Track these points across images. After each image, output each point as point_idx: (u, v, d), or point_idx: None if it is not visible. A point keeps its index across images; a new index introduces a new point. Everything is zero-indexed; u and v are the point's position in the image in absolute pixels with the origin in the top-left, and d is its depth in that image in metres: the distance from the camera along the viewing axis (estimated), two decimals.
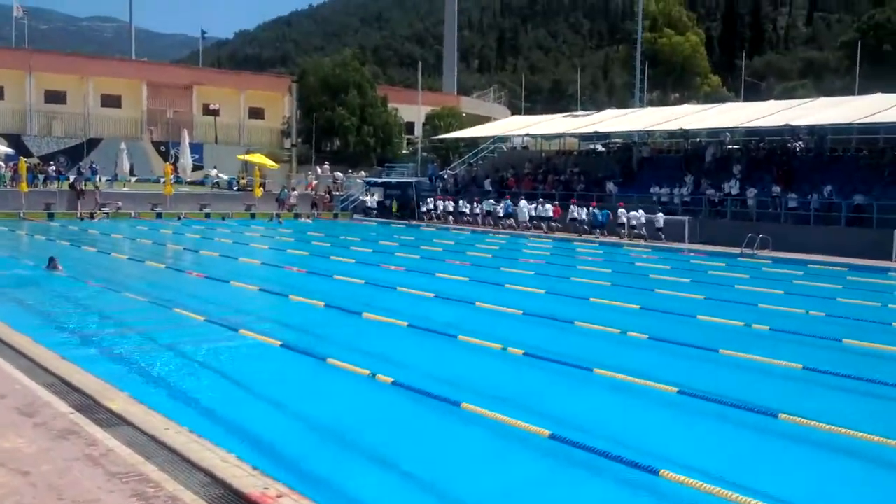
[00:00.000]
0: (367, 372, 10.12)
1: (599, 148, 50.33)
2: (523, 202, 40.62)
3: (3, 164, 44.96)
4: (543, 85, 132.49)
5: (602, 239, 35.49)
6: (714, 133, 42.86)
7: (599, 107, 64.51)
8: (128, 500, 6.01)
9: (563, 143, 52.50)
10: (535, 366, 11.50)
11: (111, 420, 8.00)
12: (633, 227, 35.45)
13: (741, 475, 7.40)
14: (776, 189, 34.32)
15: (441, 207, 44.92)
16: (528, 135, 49.86)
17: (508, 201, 41.56)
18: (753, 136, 42.41)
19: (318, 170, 56.20)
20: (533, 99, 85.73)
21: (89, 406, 8.42)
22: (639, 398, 10.05)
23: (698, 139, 45.01)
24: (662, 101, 67.89)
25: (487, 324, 14.93)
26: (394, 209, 48.22)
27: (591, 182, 42.06)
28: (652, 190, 38.09)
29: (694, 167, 39.69)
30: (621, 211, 36.11)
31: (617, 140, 50.01)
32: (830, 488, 7.65)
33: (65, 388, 9.02)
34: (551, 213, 39.21)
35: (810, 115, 36.01)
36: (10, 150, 48.02)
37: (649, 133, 46.29)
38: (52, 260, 19.66)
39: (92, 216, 39.75)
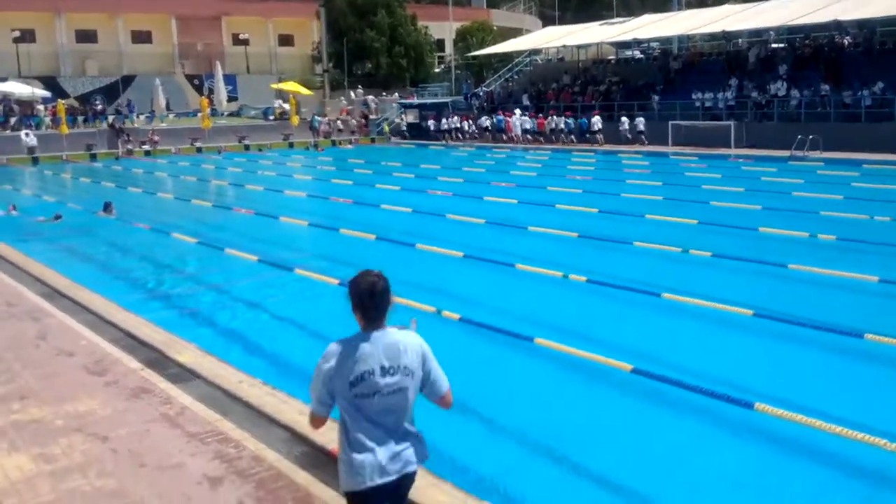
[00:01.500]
0: (433, 309, 9.91)
1: (638, 55, 48.88)
2: (515, 117, 42.00)
3: (42, 108, 44.90)
4: None
5: (641, 148, 34.99)
6: (756, 33, 41.27)
7: (632, 12, 62.34)
8: (210, 462, 5.92)
9: (600, 51, 51.10)
10: (600, 293, 11.22)
11: (182, 375, 7.93)
12: (595, 132, 37.97)
13: (835, 404, 7.12)
14: (825, 88, 33.08)
15: (446, 125, 45.19)
16: (563, 46, 48.48)
17: (500, 116, 42.91)
18: (798, 34, 40.74)
19: (352, 94, 55.50)
20: (564, 7, 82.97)
21: (158, 360, 8.36)
22: (714, 323, 9.75)
23: (740, 40, 43.41)
24: (701, 3, 65.16)
25: (543, 249, 14.65)
26: (385, 130, 48.82)
27: (631, 90, 40.94)
28: (694, 96, 36.94)
29: (737, 70, 38.38)
30: (595, 119, 38.21)
31: (655, 46, 48.53)
32: None
33: (132, 343, 8.97)
34: (529, 126, 41.23)
35: (858, 9, 34.28)
36: (46, 93, 47.94)
37: (689, 37, 44.81)
38: (107, 205, 19.64)
39: (130, 153, 39.83)
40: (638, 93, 40.33)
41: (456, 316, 9.67)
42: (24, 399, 7.21)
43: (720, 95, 36.26)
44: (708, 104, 36.51)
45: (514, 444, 6.98)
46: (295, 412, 6.86)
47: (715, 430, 7.01)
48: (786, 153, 29.34)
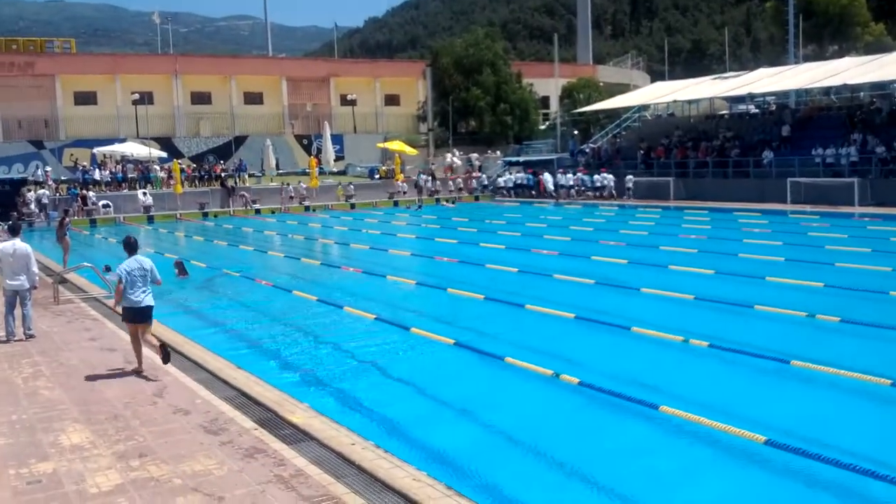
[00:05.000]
0: (550, 372, 9.57)
1: (752, 109, 47.67)
2: (547, 174, 45.38)
3: (158, 167, 46.76)
4: (683, 46, 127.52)
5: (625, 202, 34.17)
6: (880, 86, 39.67)
7: (744, 65, 61.11)
8: None
9: (712, 106, 50.13)
10: (723, 359, 10.69)
11: (295, 435, 7.85)
12: (592, 189, 43.04)
13: None
14: None
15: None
16: (674, 101, 47.77)
17: (530, 174, 46.52)
18: None
19: (456, 152, 56.00)
20: (672, 62, 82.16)
21: (272, 420, 8.31)
22: (849, 393, 9.10)
23: (861, 93, 41.82)
24: (818, 56, 63.03)
25: (659, 312, 14.10)
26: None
27: (747, 147, 39.77)
28: (815, 152, 35.57)
29: (859, 124, 36.90)
30: (597, 176, 42.87)
31: (770, 100, 47.28)
32: None
33: (245, 402, 8.97)
34: (572, 182, 44.03)
35: None
36: (162, 153, 50.00)
37: (807, 91, 43.48)
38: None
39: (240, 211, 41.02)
40: (753, 148, 39.23)
41: (575, 380, 9.31)
42: (142, 457, 7.27)
43: (842, 151, 34.82)
44: (829, 160, 35.09)
45: None
46: (409, 478, 6.66)
47: None
48: None
